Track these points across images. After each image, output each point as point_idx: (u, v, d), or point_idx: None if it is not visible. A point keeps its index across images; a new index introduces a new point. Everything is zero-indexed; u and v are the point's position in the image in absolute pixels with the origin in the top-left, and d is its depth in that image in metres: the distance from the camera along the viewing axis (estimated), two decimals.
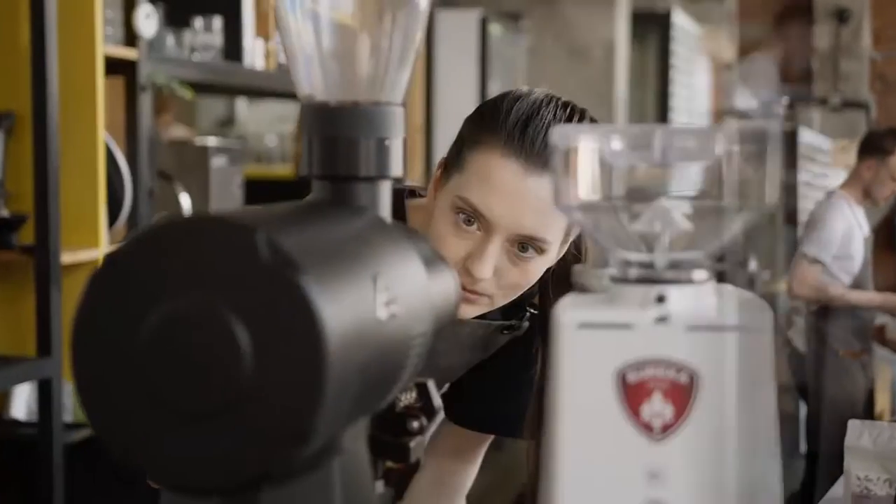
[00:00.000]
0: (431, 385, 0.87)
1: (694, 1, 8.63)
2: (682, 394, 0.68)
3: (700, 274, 0.71)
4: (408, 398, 0.89)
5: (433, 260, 0.87)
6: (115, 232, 2.63)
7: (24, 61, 2.39)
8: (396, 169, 0.83)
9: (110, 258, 0.63)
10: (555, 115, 1.24)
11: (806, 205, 7.39)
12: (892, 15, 9.63)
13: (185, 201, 2.84)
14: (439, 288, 0.85)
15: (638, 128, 0.71)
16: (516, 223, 1.22)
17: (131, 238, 0.63)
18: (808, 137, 7.25)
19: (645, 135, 0.71)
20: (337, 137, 0.81)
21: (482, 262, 1.22)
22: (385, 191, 0.83)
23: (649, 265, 0.71)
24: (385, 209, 0.83)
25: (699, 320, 0.68)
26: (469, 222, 1.23)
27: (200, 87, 3.17)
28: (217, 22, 2.97)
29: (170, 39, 2.91)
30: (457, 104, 4.14)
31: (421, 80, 4.53)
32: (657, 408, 0.68)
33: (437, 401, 0.89)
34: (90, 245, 2.50)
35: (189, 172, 2.97)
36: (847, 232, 4.21)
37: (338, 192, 0.82)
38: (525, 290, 1.29)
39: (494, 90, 6.55)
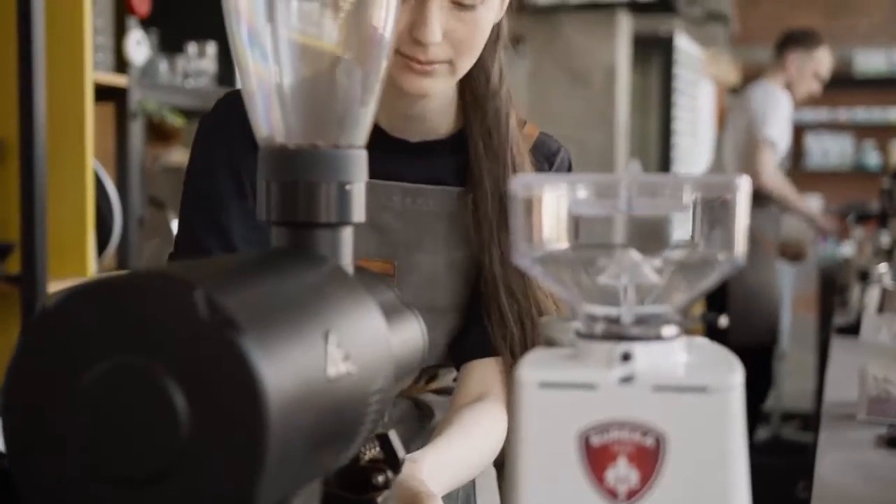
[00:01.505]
0: (394, 436, 0.84)
1: (697, 24, 8.63)
2: (649, 458, 0.64)
3: (669, 330, 0.67)
4: (371, 451, 0.86)
5: (396, 308, 0.84)
6: (104, 260, 2.60)
7: (11, 87, 2.37)
8: (358, 214, 0.80)
9: (42, 314, 0.59)
10: None
11: (680, 113, 7.44)
12: None
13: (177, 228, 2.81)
14: (402, 338, 0.81)
15: (603, 177, 0.68)
16: None
17: (65, 293, 0.60)
18: (683, 43, 7.26)
19: (611, 184, 0.68)
20: (296, 182, 0.78)
21: (426, 26, 1.19)
22: (347, 237, 0.80)
23: (615, 320, 0.68)
24: (346, 256, 0.80)
25: (666, 380, 0.65)
26: None
27: (195, 113, 3.15)
28: (211, 47, 2.95)
29: (163, 65, 2.89)
30: None
31: None
32: (622, 472, 0.64)
33: (402, 452, 0.85)
34: (78, 274, 2.47)
35: None
36: (787, 120, 4.35)
37: (297, 238, 0.79)
38: (480, 48, 1.25)
39: None
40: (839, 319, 3.30)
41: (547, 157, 1.38)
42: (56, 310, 0.59)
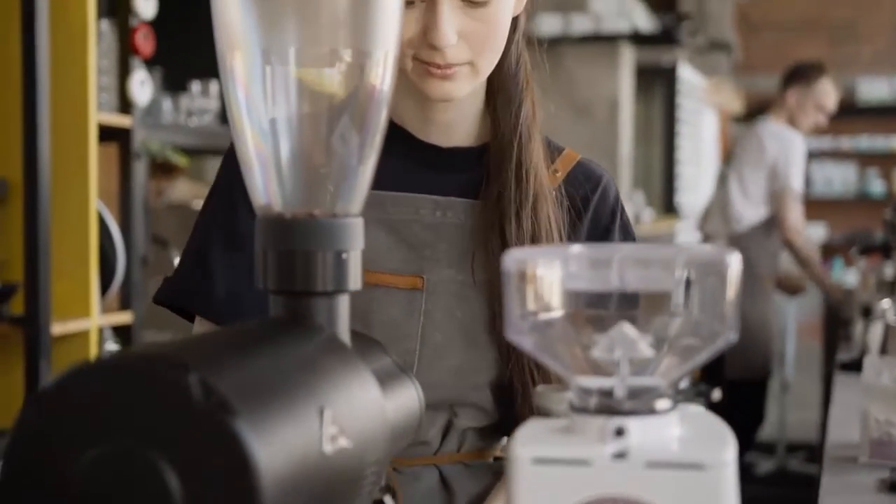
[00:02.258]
0: (389, 501, 0.84)
1: (700, 53, 8.66)
2: None
3: (662, 403, 0.68)
4: None
5: (392, 374, 0.84)
6: (107, 300, 2.61)
7: (16, 128, 2.38)
8: (355, 282, 0.80)
9: (36, 399, 0.60)
10: None
11: (683, 143, 7.45)
12: None
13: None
14: (398, 405, 0.82)
15: (596, 251, 0.69)
16: None
17: (59, 378, 0.60)
18: (686, 73, 7.28)
19: (603, 258, 0.68)
20: (293, 251, 0.79)
21: (439, 29, 1.14)
22: (343, 305, 0.80)
23: (608, 393, 0.68)
24: (343, 324, 0.80)
25: (660, 456, 0.65)
26: (411, 3, 1.15)
27: (198, 152, 3.17)
28: (214, 86, 2.97)
29: (167, 104, 2.91)
30: None
31: None
32: None
33: None
34: (82, 315, 2.48)
35: (187, 236, 2.95)
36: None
37: (294, 307, 0.79)
38: (500, 45, 1.19)
39: None
40: (843, 355, 3.30)
41: (589, 184, 1.30)
42: (51, 393, 0.60)
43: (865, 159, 9.91)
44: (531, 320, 0.69)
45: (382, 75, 0.81)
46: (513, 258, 0.69)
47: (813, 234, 10.01)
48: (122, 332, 2.70)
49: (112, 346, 2.68)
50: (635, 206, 6.26)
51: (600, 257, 0.68)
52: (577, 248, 0.70)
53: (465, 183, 1.26)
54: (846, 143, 9.88)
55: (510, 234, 1.21)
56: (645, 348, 0.68)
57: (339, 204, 0.81)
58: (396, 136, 1.27)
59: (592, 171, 1.32)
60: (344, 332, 0.80)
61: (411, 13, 1.15)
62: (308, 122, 0.80)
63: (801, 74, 4.50)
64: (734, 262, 0.66)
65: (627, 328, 0.69)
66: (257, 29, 0.78)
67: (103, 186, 2.58)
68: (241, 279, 1.20)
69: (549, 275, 0.69)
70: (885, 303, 3.10)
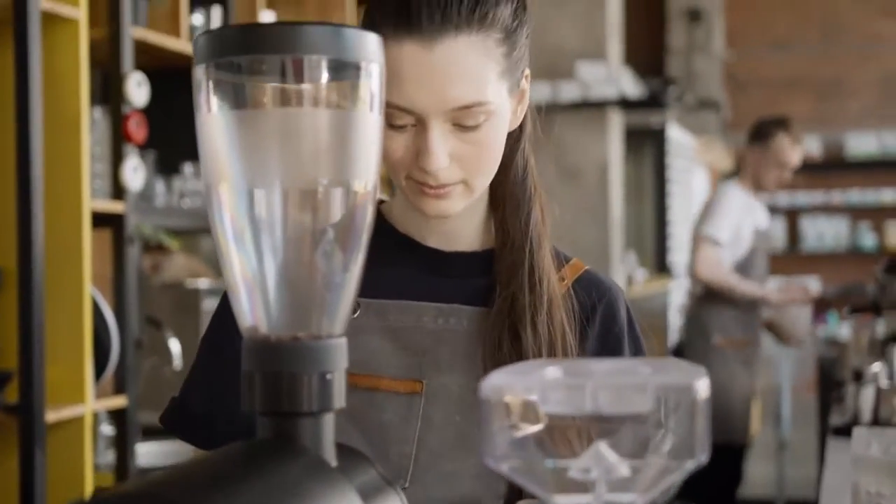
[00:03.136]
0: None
1: (689, 112, 8.75)
2: None
3: None
4: None
5: (378, 487, 0.86)
6: (102, 385, 2.63)
7: (10, 216, 2.41)
8: (339, 401, 0.83)
9: None
10: None
11: (674, 202, 7.49)
12: (744, 15, 9.82)
13: (175, 347, 2.84)
14: None
15: (572, 378, 0.71)
16: (441, 101, 1.13)
17: None
18: (675, 133, 7.35)
19: (577, 384, 0.71)
20: (279, 373, 0.81)
21: (430, 154, 1.13)
22: (328, 424, 0.82)
23: None
24: (328, 442, 0.82)
25: None
26: (402, 127, 1.14)
27: (191, 232, 3.20)
28: None
29: (160, 186, 2.94)
30: None
31: None
32: None
33: None
34: (76, 401, 2.49)
35: (182, 315, 2.98)
36: (740, 217, 4.39)
37: (280, 427, 0.82)
38: (493, 164, 1.19)
39: None
40: (835, 418, 3.31)
41: (597, 293, 1.29)
42: None
43: (857, 213, 9.99)
44: (508, 444, 0.72)
45: (364, 203, 0.84)
46: (490, 385, 0.71)
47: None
48: (117, 416, 2.71)
49: (107, 430, 2.70)
50: (627, 266, 6.29)
51: (575, 383, 0.71)
52: (552, 372, 0.73)
53: (469, 289, 1.26)
54: (837, 197, 9.96)
55: (527, 341, 1.21)
56: (621, 468, 0.71)
57: (323, 326, 0.83)
58: (401, 244, 1.29)
59: (601, 282, 1.31)
60: (329, 450, 0.82)
61: (402, 136, 1.16)
62: (292, 247, 0.83)
63: (758, 133, 4.56)
64: (702, 387, 0.69)
65: (604, 448, 0.72)
66: (242, 161, 0.82)
67: (97, 271, 2.61)
68: (222, 407, 1.23)
69: (525, 399, 0.71)
70: (876, 366, 3.12)
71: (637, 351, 1.29)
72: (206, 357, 1.30)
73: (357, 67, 0.81)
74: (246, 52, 0.80)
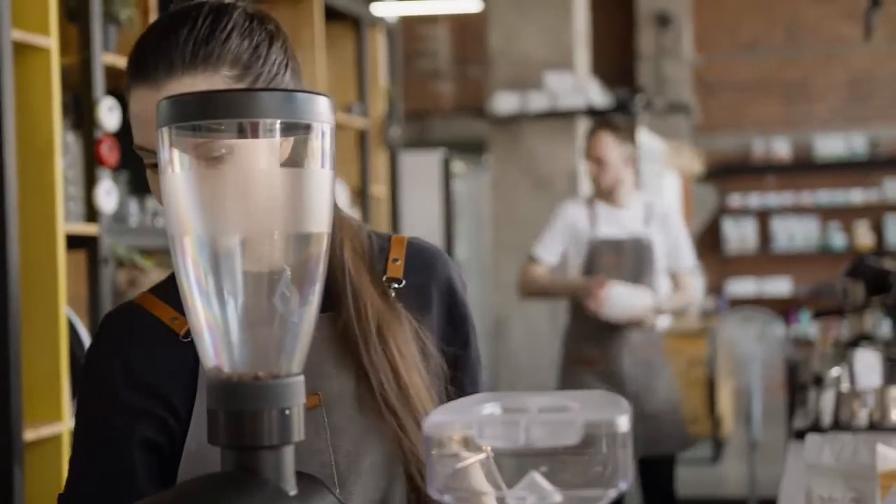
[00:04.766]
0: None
1: (659, 116, 8.86)
2: None
3: None
4: None
5: None
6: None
7: None
8: (298, 434, 0.89)
9: None
10: (180, 17, 1.20)
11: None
12: (712, 19, 9.96)
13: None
14: None
15: (507, 415, 0.78)
16: None
17: None
18: (645, 139, 7.45)
19: (512, 421, 0.78)
20: (241, 410, 0.88)
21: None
22: (288, 455, 0.89)
23: None
24: (289, 473, 0.89)
25: None
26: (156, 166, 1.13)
27: (164, 252, 3.26)
28: None
29: (133, 206, 3.00)
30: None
31: (387, 218, 4.63)
32: None
33: None
34: (53, 420, 2.55)
35: None
36: (570, 231, 4.11)
37: (243, 460, 0.88)
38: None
39: (461, 225, 6.67)
40: (799, 421, 3.39)
41: (427, 263, 1.34)
42: None
43: (826, 213, 10.12)
44: (449, 476, 0.79)
45: (318, 248, 0.91)
46: (431, 422, 0.78)
47: (777, 288, 10.20)
48: None
49: None
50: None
51: (510, 419, 0.78)
52: (488, 410, 0.80)
53: None
54: (807, 198, 10.09)
55: (370, 356, 1.26)
56: (554, 496, 0.78)
57: (282, 364, 0.90)
58: None
59: (427, 250, 1.36)
60: (289, 480, 0.89)
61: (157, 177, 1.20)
62: (251, 292, 0.90)
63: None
64: (623, 421, 0.76)
65: (538, 477, 0.79)
66: (203, 214, 0.88)
67: (72, 293, 2.66)
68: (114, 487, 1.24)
69: (464, 434, 0.78)
70: (836, 370, 3.19)
71: (464, 324, 1.35)
72: (91, 437, 1.27)
73: (308, 127, 0.88)
74: (205, 117, 0.86)
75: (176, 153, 0.88)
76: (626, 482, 0.77)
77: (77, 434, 1.29)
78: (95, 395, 1.27)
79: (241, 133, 0.88)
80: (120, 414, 1.25)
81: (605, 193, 4.15)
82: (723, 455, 7.06)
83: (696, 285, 4.19)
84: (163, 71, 1.17)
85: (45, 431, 2.51)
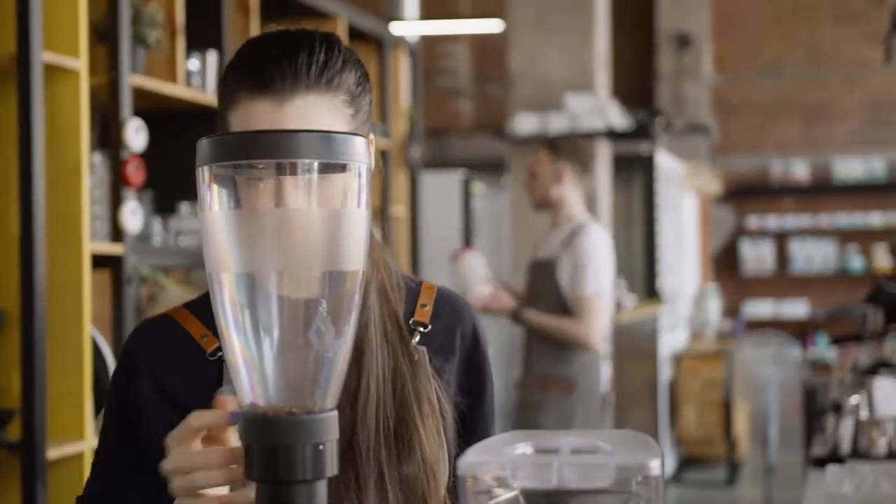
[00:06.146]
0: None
1: (678, 137, 8.86)
2: None
3: None
4: None
5: None
6: (100, 422, 2.70)
7: (13, 259, 2.49)
8: (332, 468, 0.91)
9: None
10: (296, 38, 1.21)
11: (663, 228, 7.55)
12: (732, 40, 9.94)
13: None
14: None
15: (540, 457, 0.80)
16: None
17: None
18: (664, 160, 7.44)
19: (545, 462, 0.79)
20: (275, 445, 0.89)
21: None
22: (321, 490, 0.90)
23: None
24: None
25: None
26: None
27: (187, 270, 3.28)
28: None
29: (157, 226, 3.02)
30: (443, 261, 4.22)
31: (406, 240, 4.65)
32: None
33: None
34: (76, 438, 2.57)
35: None
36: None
37: (276, 495, 0.90)
38: None
39: (479, 244, 6.69)
40: (817, 448, 3.38)
41: (454, 314, 1.35)
42: None
43: (844, 236, 10.09)
44: None
45: (353, 284, 0.92)
46: (465, 462, 0.79)
47: (794, 310, 10.17)
48: None
49: None
50: (618, 293, 6.37)
51: (542, 461, 0.79)
52: (520, 450, 0.81)
53: None
54: (825, 220, 10.06)
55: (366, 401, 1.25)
56: None
57: (316, 400, 0.91)
58: None
59: (455, 300, 1.37)
60: None
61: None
62: (287, 329, 0.92)
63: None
64: (656, 465, 0.77)
65: None
66: (240, 252, 0.90)
67: (96, 312, 2.68)
68: (136, 486, 1.25)
69: (498, 476, 0.79)
70: (855, 398, 3.18)
71: (482, 376, 1.35)
72: (114, 440, 1.30)
73: (344, 168, 0.90)
74: (244, 157, 0.88)
75: (214, 192, 0.90)
76: None
77: (99, 435, 1.32)
78: (120, 398, 1.30)
79: (279, 172, 0.90)
80: (140, 418, 1.26)
81: (535, 207, 4.11)
82: (738, 478, 7.04)
83: (596, 316, 3.88)
84: (288, 85, 1.17)
85: (68, 450, 2.53)
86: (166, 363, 1.29)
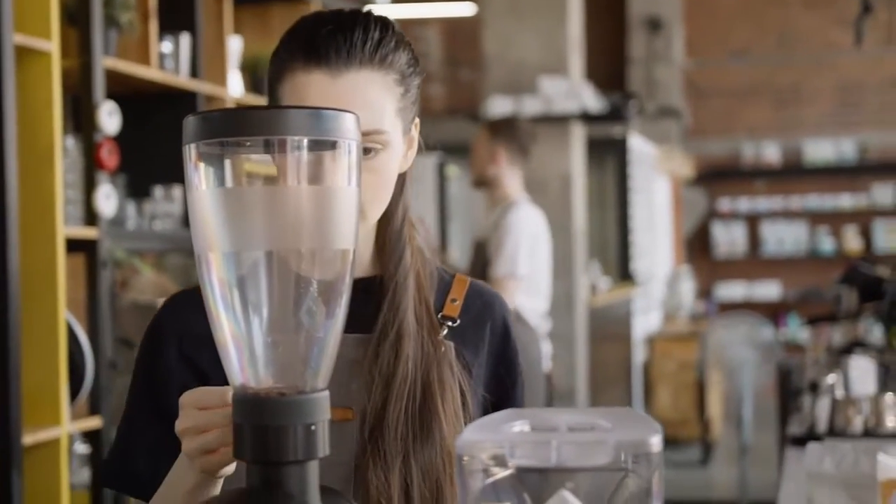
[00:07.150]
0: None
1: (650, 120, 8.87)
2: None
3: None
4: None
5: None
6: (77, 407, 2.67)
7: None
8: (323, 449, 0.90)
9: None
10: (351, 16, 1.23)
11: (636, 211, 7.59)
12: (703, 24, 9.99)
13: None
14: None
15: (537, 433, 0.79)
16: None
17: None
18: (637, 143, 7.48)
19: (543, 440, 0.78)
20: (267, 426, 0.88)
21: None
22: (313, 470, 0.89)
23: None
24: (313, 488, 0.89)
25: None
26: None
27: (161, 255, 3.25)
28: (177, 191, 3.06)
29: (131, 209, 2.99)
30: None
31: None
32: None
33: None
34: (52, 424, 2.54)
35: None
36: None
37: (268, 475, 0.88)
38: (387, 193, 1.25)
39: (454, 228, 6.68)
40: (794, 428, 3.39)
41: (485, 308, 1.36)
42: None
43: (815, 218, 10.15)
44: (481, 491, 0.79)
45: (343, 263, 0.91)
46: (463, 441, 0.78)
47: (766, 292, 10.24)
48: (91, 437, 2.76)
49: (82, 448, 2.74)
50: (592, 275, 6.38)
51: (541, 438, 0.78)
52: (518, 428, 0.80)
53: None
54: (796, 202, 10.11)
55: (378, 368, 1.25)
56: None
57: (307, 380, 0.90)
58: None
59: (486, 292, 1.38)
60: (314, 495, 0.89)
61: None
62: (277, 308, 0.90)
63: None
64: (656, 441, 0.76)
65: (567, 495, 0.79)
66: (229, 231, 0.88)
67: (71, 296, 2.66)
68: (163, 455, 1.22)
69: (495, 454, 0.78)
70: (832, 377, 3.20)
71: (512, 368, 1.36)
72: (141, 406, 1.30)
73: (334, 145, 0.88)
74: (232, 134, 0.86)
75: (201, 170, 0.88)
76: (659, 501, 0.78)
77: (128, 397, 1.31)
78: (146, 365, 1.29)
79: (268, 150, 0.88)
80: (166, 387, 1.25)
81: (474, 185, 4.19)
82: (712, 458, 7.08)
83: (507, 297, 3.86)
84: (343, 59, 1.19)
85: (43, 435, 2.51)
86: (193, 334, 1.26)
